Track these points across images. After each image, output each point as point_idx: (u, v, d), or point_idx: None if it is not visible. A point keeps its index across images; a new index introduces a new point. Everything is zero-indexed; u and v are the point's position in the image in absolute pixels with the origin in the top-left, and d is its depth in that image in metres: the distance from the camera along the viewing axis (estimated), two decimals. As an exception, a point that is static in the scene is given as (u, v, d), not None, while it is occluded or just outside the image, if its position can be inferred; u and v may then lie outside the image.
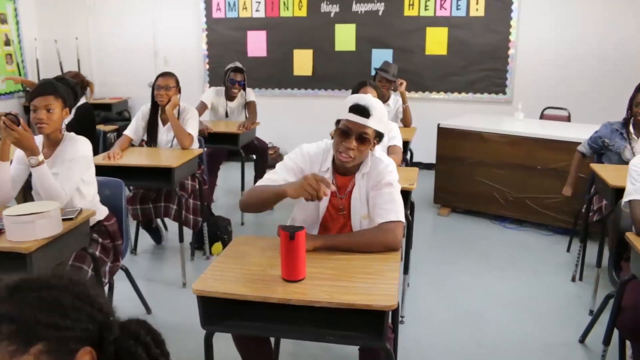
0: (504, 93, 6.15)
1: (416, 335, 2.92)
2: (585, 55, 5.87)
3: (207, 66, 6.69)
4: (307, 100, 6.58)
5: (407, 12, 6.08)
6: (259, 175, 5.00)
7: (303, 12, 6.29)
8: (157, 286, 3.50)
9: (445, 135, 4.92)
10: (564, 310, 3.25)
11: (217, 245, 4.01)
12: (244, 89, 4.86)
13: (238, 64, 4.85)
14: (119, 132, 5.34)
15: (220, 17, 6.50)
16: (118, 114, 6.73)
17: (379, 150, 2.18)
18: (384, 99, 4.44)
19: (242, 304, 1.66)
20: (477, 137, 4.77)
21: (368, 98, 2.00)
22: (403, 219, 1.99)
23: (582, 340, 2.88)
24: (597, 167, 3.37)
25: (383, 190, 2.04)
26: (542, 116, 5.54)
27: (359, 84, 3.45)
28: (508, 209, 4.71)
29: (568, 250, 4.15)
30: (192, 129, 3.73)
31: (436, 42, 6.12)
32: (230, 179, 5.37)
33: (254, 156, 5.06)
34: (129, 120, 6.70)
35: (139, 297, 3.10)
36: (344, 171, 2.12)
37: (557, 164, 4.40)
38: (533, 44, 5.95)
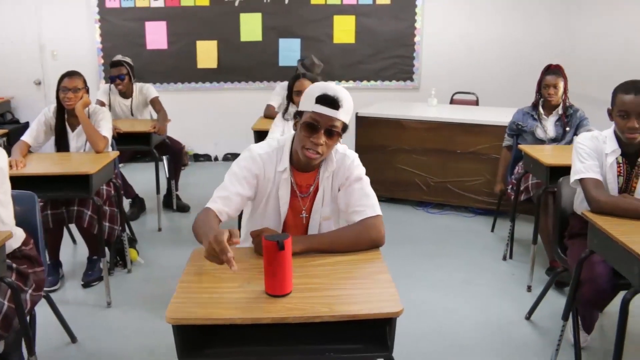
0: (412, 80, 6.26)
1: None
2: (489, 40, 6.14)
3: (102, 61, 6.14)
4: (212, 94, 6.26)
5: (314, 0, 5.97)
6: (172, 177, 4.67)
7: (205, 1, 5.95)
8: (78, 309, 3.11)
9: (364, 124, 4.88)
10: (503, 290, 3.32)
11: (132, 252, 3.67)
12: (131, 81, 4.48)
13: (117, 57, 4.49)
14: (10, 137, 4.75)
15: (114, 7, 5.97)
16: (0, 116, 5.99)
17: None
18: None
19: (222, 328, 1.46)
20: (397, 125, 4.78)
21: (336, 88, 1.83)
22: (381, 212, 1.87)
23: (528, 317, 2.96)
24: (526, 148, 3.47)
25: (354, 187, 1.91)
26: (452, 101, 5.70)
27: (294, 77, 3.30)
28: (430, 194, 4.78)
29: (492, 230, 4.28)
30: (107, 130, 3.37)
31: (344, 30, 6.08)
32: (141, 181, 4.97)
33: (164, 157, 4.70)
34: (15, 122, 6.02)
35: (62, 324, 2.72)
36: (304, 168, 1.95)
37: (475, 147, 4.52)
38: (438, 30, 6.11)
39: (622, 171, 2.42)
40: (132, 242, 3.80)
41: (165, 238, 4.19)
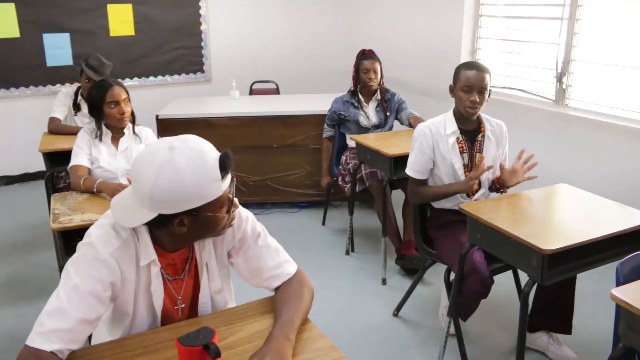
0: (202, 71, 5.83)
1: None
2: (278, 28, 5.98)
3: None
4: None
5: (81, -14, 5.11)
6: None
7: None
8: None
9: (167, 127, 4.33)
10: (360, 286, 3.23)
11: None
12: None
13: None
14: None
15: None
16: None
17: None
18: None
19: None
20: (204, 124, 4.35)
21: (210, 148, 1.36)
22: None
23: (396, 313, 2.90)
24: (359, 139, 3.39)
25: (258, 247, 1.54)
26: (252, 91, 5.43)
27: (101, 87, 2.65)
28: (250, 195, 4.48)
29: (323, 223, 4.18)
30: None
31: (121, 21, 5.33)
32: None
33: None
34: None
35: None
36: (177, 245, 1.46)
37: (293, 139, 4.35)
38: (225, 18, 5.75)
39: (464, 148, 2.53)
40: None
41: None
